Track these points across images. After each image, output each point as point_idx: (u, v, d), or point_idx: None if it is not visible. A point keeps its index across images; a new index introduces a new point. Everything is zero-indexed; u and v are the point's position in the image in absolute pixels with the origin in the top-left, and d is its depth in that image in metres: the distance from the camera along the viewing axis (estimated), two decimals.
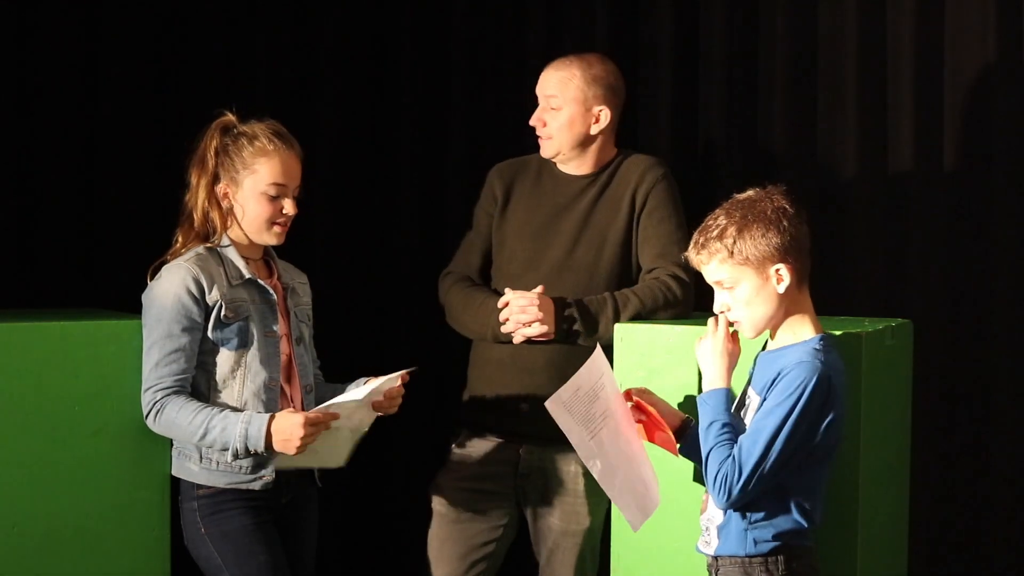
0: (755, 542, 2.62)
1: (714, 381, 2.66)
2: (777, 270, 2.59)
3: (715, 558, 2.69)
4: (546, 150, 3.52)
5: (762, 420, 2.55)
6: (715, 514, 2.69)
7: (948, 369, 3.82)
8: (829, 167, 3.98)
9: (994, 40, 3.75)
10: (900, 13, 3.88)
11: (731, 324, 2.68)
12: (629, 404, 2.81)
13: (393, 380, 3.07)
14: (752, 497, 2.57)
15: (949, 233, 3.83)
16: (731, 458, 2.55)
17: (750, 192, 2.65)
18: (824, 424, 2.57)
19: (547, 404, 2.73)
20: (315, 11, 4.23)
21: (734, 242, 2.59)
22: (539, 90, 3.52)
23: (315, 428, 2.95)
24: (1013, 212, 3.76)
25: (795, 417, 2.53)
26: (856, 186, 3.93)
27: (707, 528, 2.72)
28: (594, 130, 3.48)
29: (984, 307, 3.80)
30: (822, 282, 3.83)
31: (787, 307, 2.63)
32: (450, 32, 4.35)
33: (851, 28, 3.93)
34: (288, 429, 2.95)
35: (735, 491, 2.55)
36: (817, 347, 2.59)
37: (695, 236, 2.67)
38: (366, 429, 3.14)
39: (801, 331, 2.64)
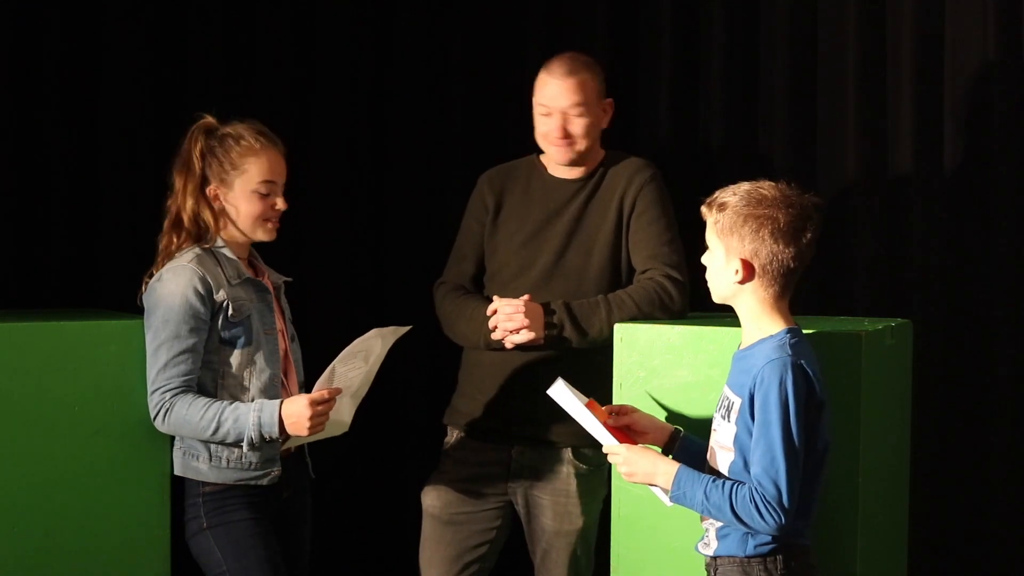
0: (754, 543, 2.62)
1: (665, 474, 2.65)
2: (736, 262, 2.63)
3: (713, 558, 2.69)
4: (566, 156, 3.45)
5: (767, 435, 2.54)
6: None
7: (948, 369, 3.82)
8: (829, 167, 3.98)
9: (994, 40, 3.76)
10: (900, 13, 3.88)
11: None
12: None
13: (378, 336, 3.07)
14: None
15: (949, 233, 3.84)
16: (757, 483, 2.54)
17: (774, 187, 2.65)
18: (818, 406, 2.59)
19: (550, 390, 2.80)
20: (314, 10, 4.23)
21: (722, 216, 2.65)
22: (553, 101, 3.41)
23: (323, 407, 3.00)
24: (1013, 212, 3.77)
25: (793, 412, 2.54)
26: (856, 186, 3.93)
27: (707, 530, 2.73)
28: (604, 123, 3.50)
29: (984, 307, 3.81)
30: (822, 282, 3.87)
31: (749, 300, 2.66)
32: (450, 31, 4.35)
33: (851, 28, 3.93)
34: (297, 412, 2.99)
35: (786, 503, 2.53)
36: (783, 340, 2.61)
37: (715, 192, 2.71)
38: (366, 390, 3.17)
39: (767, 327, 2.65)
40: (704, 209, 2.70)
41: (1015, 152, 3.76)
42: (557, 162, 3.50)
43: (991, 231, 3.79)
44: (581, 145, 3.45)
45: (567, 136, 3.43)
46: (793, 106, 4.02)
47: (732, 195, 2.66)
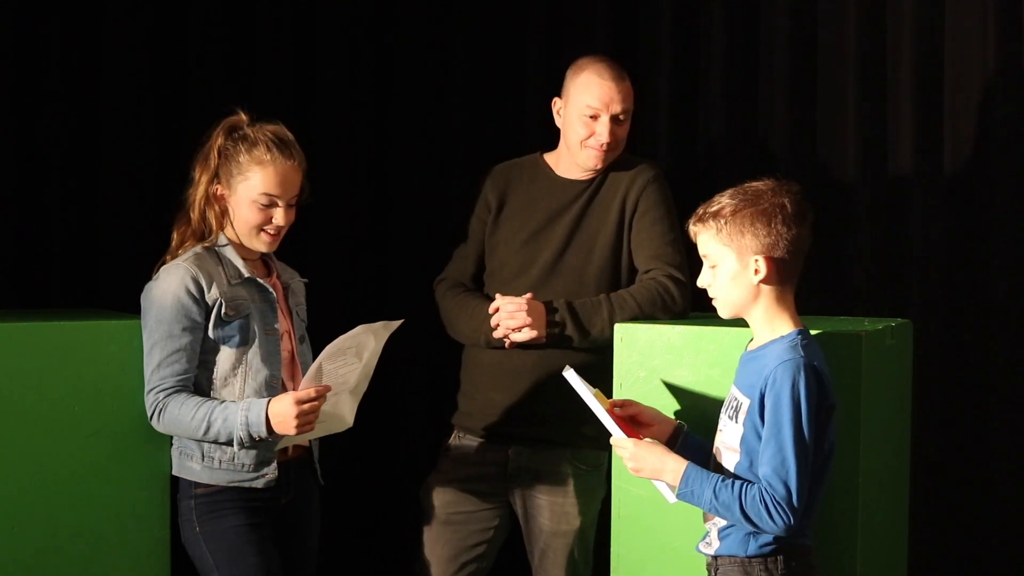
0: (756, 544, 2.62)
1: (674, 471, 2.65)
2: (756, 261, 2.61)
3: (714, 558, 2.70)
4: (601, 163, 3.43)
5: (778, 435, 2.54)
6: (719, 518, 2.68)
7: (948, 369, 3.82)
8: (829, 167, 3.98)
9: (993, 42, 3.76)
10: (900, 13, 3.88)
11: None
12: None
13: (368, 332, 3.05)
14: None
15: (949, 233, 3.84)
16: (767, 484, 2.54)
17: (762, 183, 2.66)
18: (829, 408, 2.59)
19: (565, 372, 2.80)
20: (314, 10, 4.23)
21: (725, 223, 2.63)
22: (607, 105, 3.38)
23: (309, 405, 2.95)
24: (1013, 212, 3.77)
25: (805, 414, 2.54)
26: (856, 186, 3.93)
27: (709, 530, 2.72)
28: None
29: (984, 307, 3.81)
30: (822, 282, 3.86)
31: (765, 301, 2.65)
32: (450, 31, 4.35)
33: (851, 28, 3.93)
34: (283, 412, 2.96)
35: (796, 503, 2.53)
36: (794, 341, 2.61)
37: (699, 208, 2.69)
38: (366, 385, 3.15)
39: (779, 327, 2.65)
40: (696, 226, 2.67)
41: (1015, 152, 3.76)
42: (587, 168, 3.46)
43: (991, 231, 3.79)
44: (616, 153, 3.44)
45: (610, 142, 3.40)
46: (793, 106, 4.02)
47: (728, 199, 2.65)
